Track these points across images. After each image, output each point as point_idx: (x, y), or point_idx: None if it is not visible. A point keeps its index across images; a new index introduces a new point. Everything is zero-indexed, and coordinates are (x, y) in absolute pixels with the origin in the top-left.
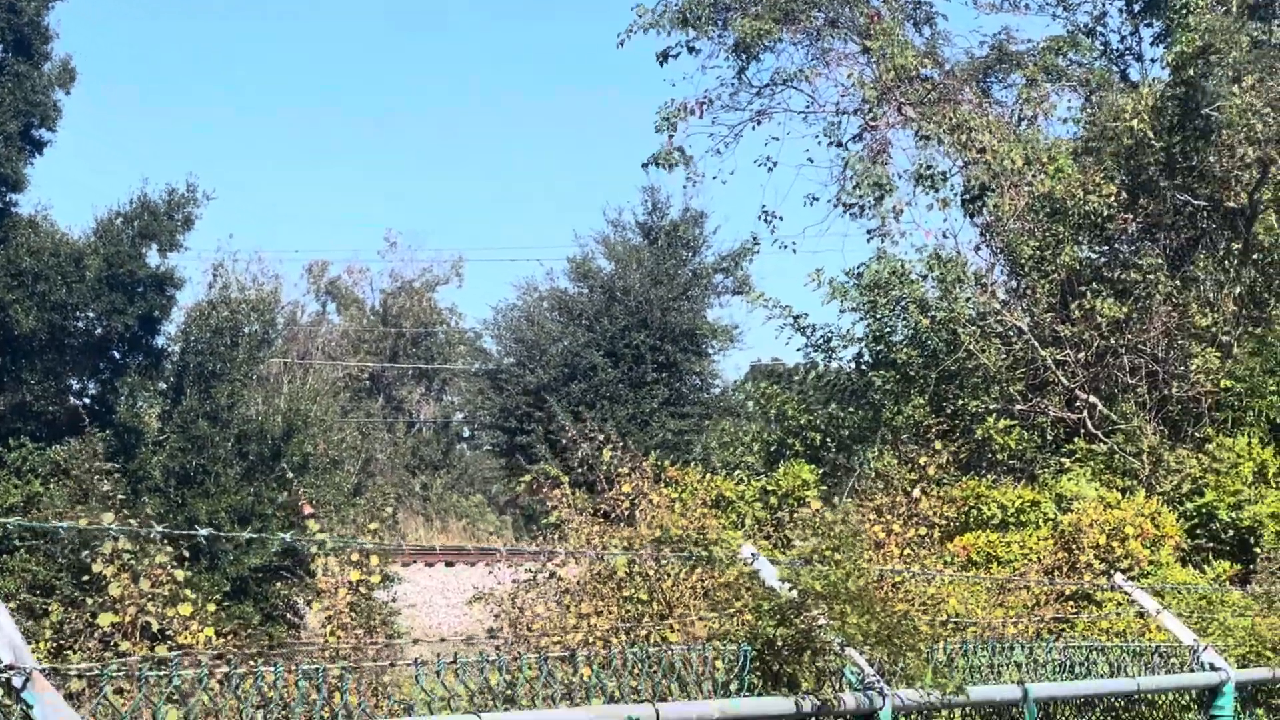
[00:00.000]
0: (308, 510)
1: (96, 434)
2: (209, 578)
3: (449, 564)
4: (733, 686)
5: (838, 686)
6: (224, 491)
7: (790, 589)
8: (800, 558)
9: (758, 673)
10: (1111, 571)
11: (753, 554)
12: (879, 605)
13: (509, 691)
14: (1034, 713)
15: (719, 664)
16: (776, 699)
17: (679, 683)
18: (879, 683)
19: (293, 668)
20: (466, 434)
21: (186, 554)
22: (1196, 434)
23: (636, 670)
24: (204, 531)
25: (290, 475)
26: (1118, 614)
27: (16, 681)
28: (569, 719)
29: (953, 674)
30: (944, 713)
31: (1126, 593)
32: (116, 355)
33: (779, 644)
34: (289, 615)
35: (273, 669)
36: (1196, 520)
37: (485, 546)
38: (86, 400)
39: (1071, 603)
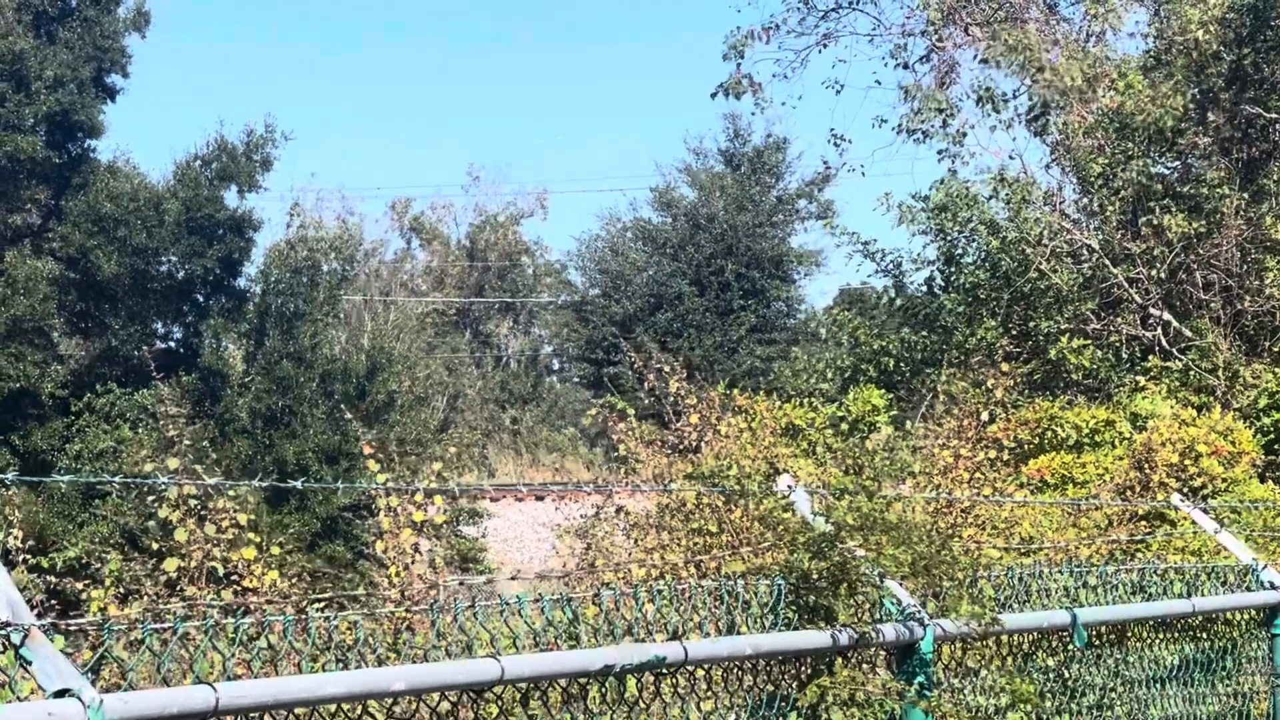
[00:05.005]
0: (368, 451)
1: (183, 378)
2: (299, 518)
3: (539, 498)
4: (768, 621)
5: (877, 618)
6: (310, 431)
7: (825, 521)
8: (837, 488)
9: (794, 607)
10: (1172, 491)
11: (789, 486)
12: (916, 535)
13: (572, 629)
14: (1084, 636)
15: (752, 600)
16: (812, 633)
17: (712, 618)
18: (920, 613)
19: (361, 611)
20: (555, 367)
21: (251, 500)
22: (1273, 348)
23: (668, 606)
24: (263, 482)
25: (349, 418)
26: (1193, 533)
27: (15, 638)
28: (595, 659)
29: (992, 604)
30: (998, 639)
31: (1185, 513)
32: (199, 298)
33: (814, 577)
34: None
35: (326, 616)
36: (1274, 435)
37: (557, 483)
38: (171, 344)
39: (1145, 523)
